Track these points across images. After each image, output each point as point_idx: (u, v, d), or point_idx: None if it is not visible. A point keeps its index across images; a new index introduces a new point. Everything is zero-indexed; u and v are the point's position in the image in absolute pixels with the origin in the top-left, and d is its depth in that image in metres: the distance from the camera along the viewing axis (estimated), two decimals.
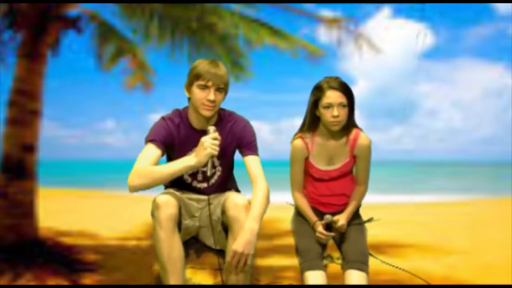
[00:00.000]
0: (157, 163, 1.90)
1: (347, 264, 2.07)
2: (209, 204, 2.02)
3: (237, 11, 5.40)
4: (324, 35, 5.56)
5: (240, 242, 1.79)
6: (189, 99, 1.99)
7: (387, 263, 2.24)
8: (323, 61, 5.61)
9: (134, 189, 1.81)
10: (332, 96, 2.05)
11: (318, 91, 2.10)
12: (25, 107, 4.52)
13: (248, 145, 2.03)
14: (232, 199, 1.91)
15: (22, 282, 3.68)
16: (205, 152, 1.81)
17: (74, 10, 5.05)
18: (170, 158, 2.07)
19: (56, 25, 4.74)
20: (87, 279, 3.84)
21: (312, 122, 2.16)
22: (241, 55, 5.65)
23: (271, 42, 5.35)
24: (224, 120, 2.04)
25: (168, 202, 1.83)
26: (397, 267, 2.29)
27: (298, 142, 2.18)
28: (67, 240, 5.27)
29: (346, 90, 2.07)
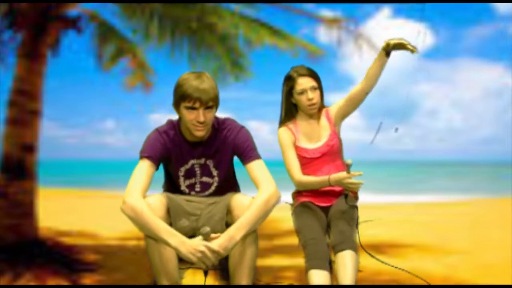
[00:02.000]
0: (151, 179, 1.87)
1: (333, 249, 2.05)
2: (211, 204, 2.01)
3: (237, 11, 5.40)
4: (324, 35, 5.56)
5: (215, 243, 1.71)
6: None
7: (387, 263, 2.24)
8: (323, 61, 5.62)
9: (125, 215, 1.78)
10: (304, 82, 2.25)
11: (289, 81, 2.28)
12: (25, 107, 4.52)
13: (245, 151, 1.95)
14: (238, 199, 1.90)
15: (22, 282, 3.68)
16: (189, 255, 1.68)
17: (74, 10, 5.06)
18: (167, 169, 2.05)
19: (56, 25, 4.74)
20: (87, 279, 3.84)
21: (289, 111, 2.34)
22: (241, 55, 5.65)
23: (271, 42, 5.35)
24: (218, 129, 1.98)
25: (153, 204, 1.82)
26: (397, 267, 2.29)
27: (283, 129, 2.32)
28: (67, 240, 5.27)
29: (314, 74, 2.28)
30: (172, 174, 2.03)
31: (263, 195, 1.83)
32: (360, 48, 5.35)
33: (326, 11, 6.01)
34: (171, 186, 2.06)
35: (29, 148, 4.53)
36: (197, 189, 2.03)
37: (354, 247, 2.02)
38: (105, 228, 6.52)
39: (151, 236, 1.78)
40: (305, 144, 2.30)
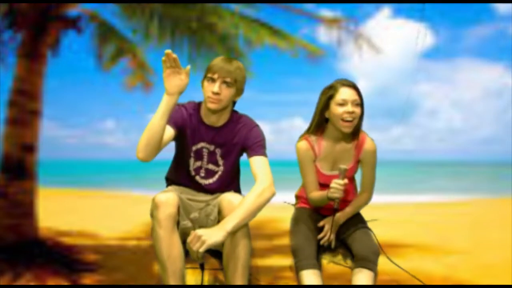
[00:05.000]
0: (167, 142, 1.90)
1: (356, 262, 2.01)
2: (208, 205, 2.01)
3: (237, 11, 5.40)
4: (324, 35, 5.58)
5: (206, 230, 1.75)
6: None
7: (394, 263, 2.23)
8: (323, 61, 5.62)
9: (138, 152, 1.79)
10: (347, 93, 2.00)
11: (331, 89, 2.04)
12: (25, 107, 4.53)
13: (252, 145, 1.98)
14: (227, 198, 1.91)
15: (22, 282, 3.68)
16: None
17: (74, 10, 5.06)
18: (177, 149, 2.07)
19: (56, 25, 4.75)
20: (87, 279, 3.84)
21: (319, 124, 2.09)
22: (241, 55, 5.65)
23: (271, 42, 5.36)
24: (233, 122, 2.04)
25: (167, 201, 1.83)
26: (402, 268, 2.28)
27: (303, 144, 2.10)
28: (67, 240, 5.27)
29: (359, 90, 2.05)
30: (183, 153, 2.05)
31: (257, 188, 1.85)
32: (360, 48, 5.35)
33: (326, 11, 6.02)
34: (178, 168, 2.08)
35: (29, 148, 4.53)
36: (202, 174, 2.06)
37: (376, 269, 1.97)
38: (105, 228, 6.53)
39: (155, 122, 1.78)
40: (321, 167, 2.12)
